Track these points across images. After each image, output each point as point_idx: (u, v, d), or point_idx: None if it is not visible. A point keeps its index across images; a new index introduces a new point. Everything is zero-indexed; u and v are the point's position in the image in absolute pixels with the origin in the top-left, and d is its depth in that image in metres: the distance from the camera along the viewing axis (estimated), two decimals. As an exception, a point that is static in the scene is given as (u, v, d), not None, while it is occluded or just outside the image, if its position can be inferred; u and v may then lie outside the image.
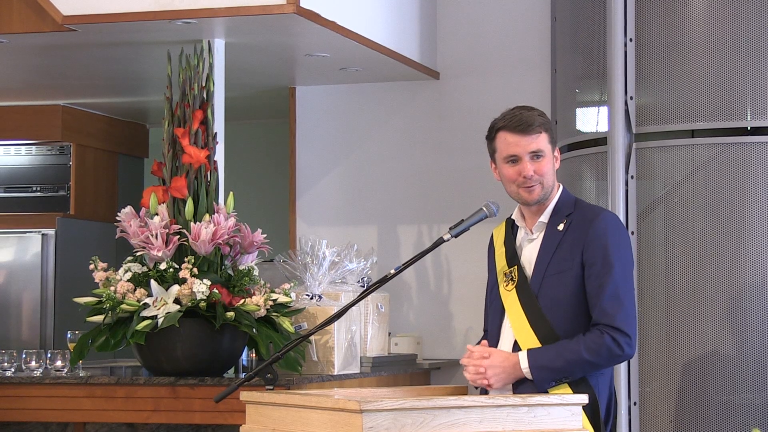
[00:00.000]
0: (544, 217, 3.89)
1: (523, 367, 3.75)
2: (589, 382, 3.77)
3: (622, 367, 5.42)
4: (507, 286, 3.89)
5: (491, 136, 3.89)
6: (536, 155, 3.82)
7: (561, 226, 3.85)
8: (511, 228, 3.99)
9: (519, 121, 3.82)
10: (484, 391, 3.88)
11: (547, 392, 3.73)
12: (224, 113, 5.81)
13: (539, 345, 3.77)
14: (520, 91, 6.56)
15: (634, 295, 3.84)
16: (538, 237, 3.89)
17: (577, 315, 3.79)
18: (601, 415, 3.78)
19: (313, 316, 5.38)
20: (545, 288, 3.81)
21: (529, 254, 3.89)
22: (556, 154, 3.89)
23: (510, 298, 3.86)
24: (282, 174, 7.42)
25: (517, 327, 3.83)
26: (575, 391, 3.70)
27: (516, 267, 3.88)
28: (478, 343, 3.91)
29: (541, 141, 3.83)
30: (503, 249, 3.96)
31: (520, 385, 3.79)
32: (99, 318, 5.15)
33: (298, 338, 3.87)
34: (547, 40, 6.60)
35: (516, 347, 3.82)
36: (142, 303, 5.07)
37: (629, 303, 3.76)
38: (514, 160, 3.83)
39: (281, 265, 5.59)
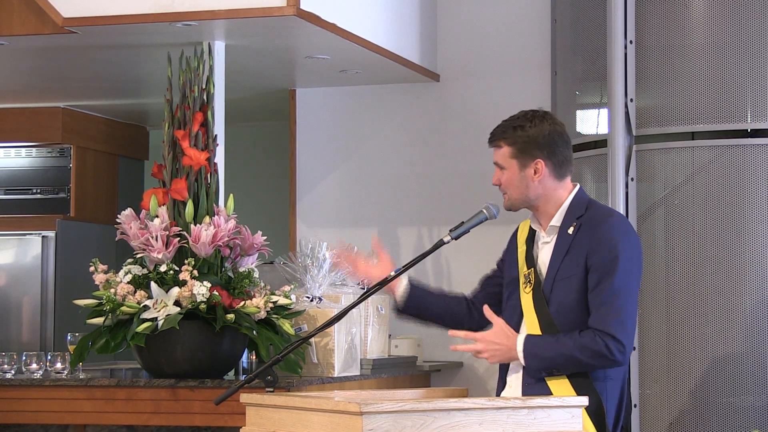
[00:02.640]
0: (556, 221, 3.89)
1: (518, 350, 3.78)
2: (595, 388, 3.77)
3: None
4: (525, 288, 3.91)
5: None
6: (498, 166, 3.92)
7: (571, 230, 3.86)
8: (532, 227, 4.00)
9: (492, 130, 3.95)
10: (503, 373, 3.91)
11: (550, 393, 3.74)
12: (224, 115, 5.81)
13: None
14: (521, 94, 6.56)
15: (635, 302, 3.81)
16: (552, 240, 3.90)
17: (585, 320, 3.79)
18: (608, 421, 3.78)
19: (314, 318, 5.38)
20: (555, 292, 3.82)
21: (544, 257, 3.91)
22: (538, 166, 3.87)
23: (527, 300, 3.88)
24: (282, 176, 7.42)
25: (531, 330, 3.84)
26: (579, 394, 3.71)
27: (533, 270, 3.90)
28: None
29: (499, 154, 3.91)
30: (524, 248, 3.97)
31: (528, 388, 3.80)
32: (99, 320, 5.15)
33: (298, 340, 3.87)
34: (547, 42, 6.60)
35: None
36: (142, 305, 5.07)
37: (626, 311, 3.74)
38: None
39: (281, 267, 5.58)
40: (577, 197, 3.92)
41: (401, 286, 4.05)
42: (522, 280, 3.93)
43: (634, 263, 3.82)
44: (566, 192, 3.91)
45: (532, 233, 3.98)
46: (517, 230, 4.06)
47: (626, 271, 3.77)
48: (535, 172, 3.86)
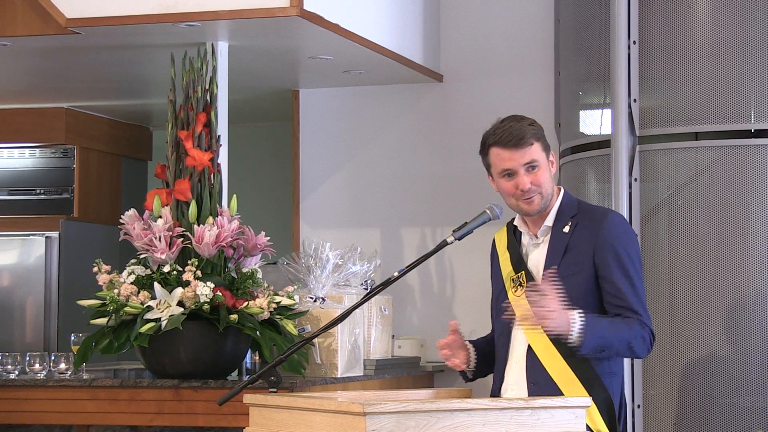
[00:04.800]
0: (549, 221, 3.89)
1: (575, 321, 3.66)
2: (603, 383, 3.78)
3: (626, 369, 5.42)
4: (516, 291, 3.89)
5: (484, 151, 3.89)
6: (531, 166, 3.82)
7: (567, 228, 3.86)
8: (514, 233, 3.98)
9: (510, 135, 3.81)
10: (501, 369, 3.89)
11: (560, 392, 3.72)
12: (227, 116, 5.81)
13: (553, 348, 3.78)
14: (524, 94, 6.56)
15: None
16: (544, 241, 3.89)
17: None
18: (616, 415, 3.79)
19: (317, 319, 5.38)
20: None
21: (536, 259, 3.89)
22: (552, 158, 3.88)
23: (520, 303, 3.86)
24: (285, 176, 7.42)
25: (530, 332, 3.83)
26: (590, 391, 3.72)
27: (524, 272, 3.88)
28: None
29: (534, 151, 3.82)
30: (507, 254, 3.96)
31: (535, 389, 3.80)
32: (102, 320, 5.16)
33: (302, 341, 3.87)
34: (550, 43, 6.59)
35: (530, 351, 3.83)
36: (145, 305, 5.08)
37: (645, 304, 3.83)
38: (510, 174, 3.84)
39: (285, 267, 5.59)
40: (567, 197, 3.93)
41: (472, 360, 3.97)
42: (509, 284, 3.91)
43: (640, 256, 3.89)
44: (555, 191, 3.93)
45: (514, 238, 3.97)
46: (494, 244, 4.05)
47: (639, 266, 3.84)
48: (552, 165, 3.90)
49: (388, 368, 5.91)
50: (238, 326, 5.08)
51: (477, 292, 6.65)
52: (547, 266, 3.85)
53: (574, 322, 3.68)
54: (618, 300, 3.78)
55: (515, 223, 3.98)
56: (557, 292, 3.67)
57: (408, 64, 6.43)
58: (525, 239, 3.95)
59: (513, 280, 3.91)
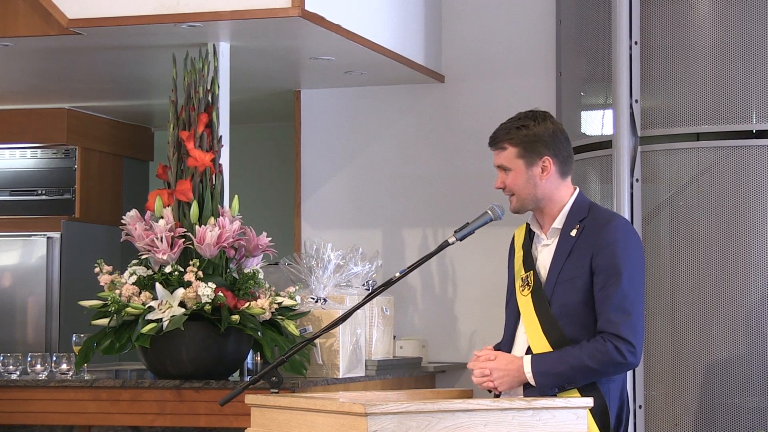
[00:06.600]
0: (558, 223, 3.88)
1: (526, 372, 3.75)
2: (599, 389, 3.76)
3: (628, 370, 5.42)
4: (523, 291, 3.89)
5: None
6: (501, 169, 3.90)
7: (574, 232, 3.85)
8: (529, 231, 3.99)
9: (492, 134, 3.92)
10: (496, 395, 3.88)
11: (555, 395, 3.73)
12: (229, 116, 5.81)
13: (551, 351, 3.77)
14: (525, 95, 6.56)
15: (643, 304, 3.81)
16: (553, 242, 3.89)
17: (588, 322, 3.78)
18: (611, 422, 3.77)
19: (318, 320, 5.38)
20: (557, 294, 3.81)
21: (544, 260, 3.89)
22: (546, 164, 3.86)
23: (525, 303, 3.86)
24: (287, 177, 7.42)
25: (530, 333, 3.83)
26: (585, 395, 3.70)
27: (532, 272, 3.88)
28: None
29: (504, 156, 3.88)
30: (522, 252, 3.96)
31: (530, 389, 3.79)
32: (104, 321, 5.16)
33: (303, 341, 3.87)
34: (552, 44, 6.59)
35: (529, 353, 3.83)
36: (147, 306, 5.08)
37: (636, 312, 3.75)
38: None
39: (286, 268, 5.59)
40: (579, 199, 3.92)
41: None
42: (519, 283, 3.92)
43: (639, 265, 3.83)
44: (568, 193, 3.91)
45: (529, 236, 3.98)
46: (513, 240, 4.05)
47: (633, 273, 3.78)
48: (543, 170, 3.86)
49: (390, 369, 5.91)
50: (239, 327, 5.08)
51: (478, 292, 6.66)
52: (552, 268, 3.85)
53: (525, 368, 3.75)
54: (600, 307, 3.76)
55: (529, 221, 3.98)
56: (488, 353, 3.81)
57: (409, 64, 6.43)
58: (536, 238, 3.95)
59: (522, 279, 3.91)
